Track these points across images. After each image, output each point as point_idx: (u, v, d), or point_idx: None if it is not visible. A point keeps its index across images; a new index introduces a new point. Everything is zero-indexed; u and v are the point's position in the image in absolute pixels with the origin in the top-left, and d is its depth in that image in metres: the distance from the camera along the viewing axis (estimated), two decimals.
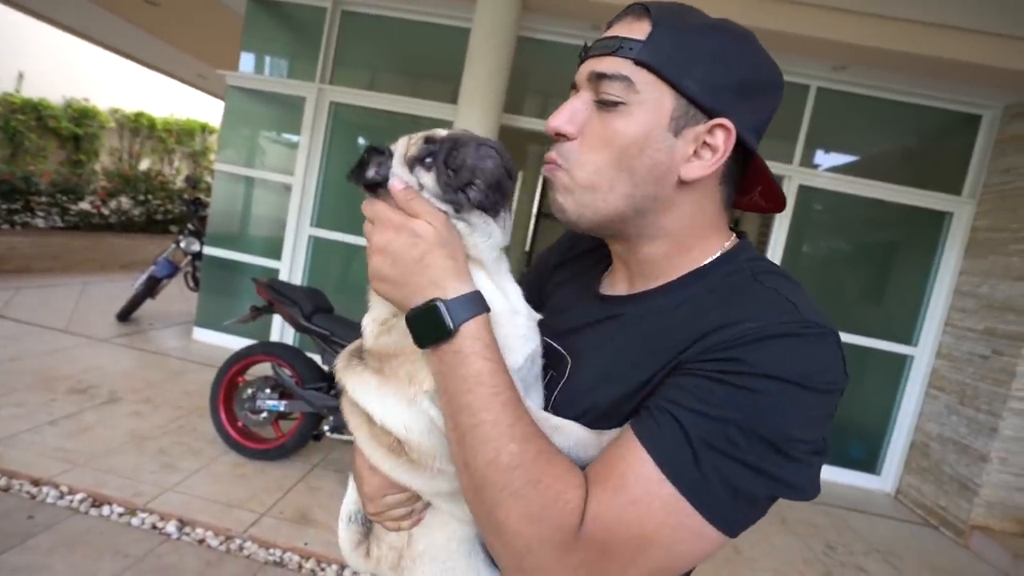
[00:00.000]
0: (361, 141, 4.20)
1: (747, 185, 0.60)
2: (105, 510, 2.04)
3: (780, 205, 0.60)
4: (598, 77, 0.53)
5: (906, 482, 3.58)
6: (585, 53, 0.56)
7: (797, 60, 3.41)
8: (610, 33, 0.54)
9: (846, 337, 3.60)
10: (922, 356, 3.59)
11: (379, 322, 0.59)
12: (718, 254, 0.57)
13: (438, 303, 0.49)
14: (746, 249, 0.58)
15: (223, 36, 4.92)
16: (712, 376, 0.45)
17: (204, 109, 10.41)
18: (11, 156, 7.16)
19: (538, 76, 3.84)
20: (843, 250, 3.96)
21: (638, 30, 0.51)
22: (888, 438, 3.70)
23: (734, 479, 0.43)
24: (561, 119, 0.55)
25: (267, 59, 4.19)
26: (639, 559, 0.44)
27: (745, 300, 0.50)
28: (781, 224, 3.63)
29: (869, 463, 3.73)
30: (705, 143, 0.52)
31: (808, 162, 3.67)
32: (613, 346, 0.56)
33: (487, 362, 0.48)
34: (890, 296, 3.78)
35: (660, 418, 0.46)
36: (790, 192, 3.60)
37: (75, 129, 7.98)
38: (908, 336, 3.63)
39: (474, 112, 3.27)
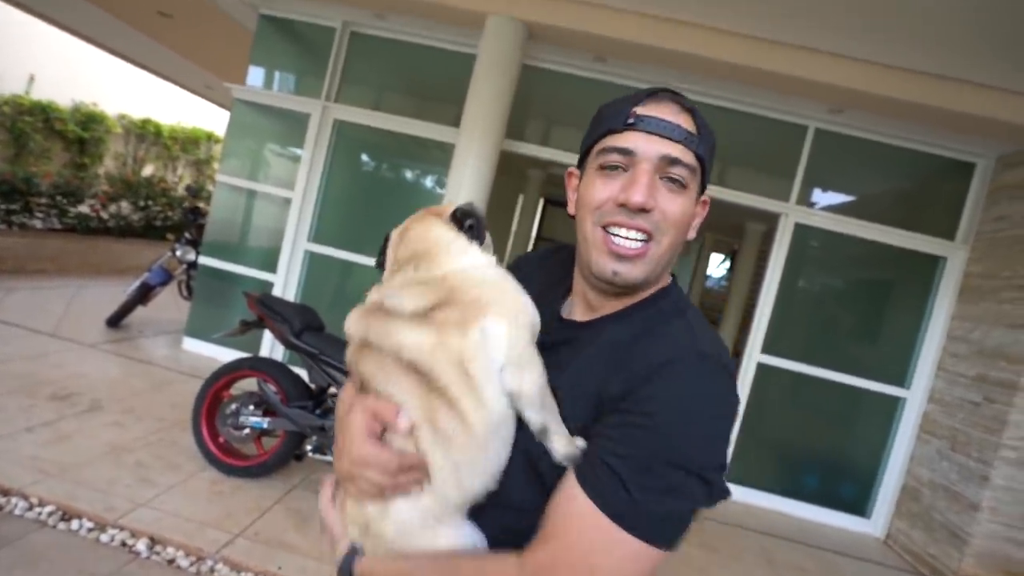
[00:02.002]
0: (364, 159, 4.23)
1: None
2: (75, 524, 1.99)
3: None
4: (672, 162, 0.62)
5: (896, 527, 3.53)
6: (637, 124, 0.63)
7: (796, 101, 3.47)
8: (662, 116, 0.63)
9: (839, 377, 3.59)
10: (914, 399, 3.57)
11: (415, 285, 0.64)
12: (655, 291, 0.69)
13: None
14: (674, 289, 0.71)
15: (232, 49, 4.99)
16: (630, 423, 0.56)
17: (210, 119, 10.51)
18: (15, 156, 7.20)
19: (540, 104, 3.90)
20: (837, 289, 3.97)
21: (688, 123, 0.64)
22: (879, 480, 3.65)
23: (661, 503, 0.53)
24: (646, 195, 0.62)
25: (275, 74, 4.25)
26: None
27: (659, 336, 0.62)
28: (776, 261, 3.65)
29: (859, 505, 3.68)
30: (697, 212, 0.68)
31: (805, 200, 3.71)
32: (570, 369, 0.65)
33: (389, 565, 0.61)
34: (883, 337, 3.78)
35: (600, 471, 0.55)
36: (786, 229, 3.63)
37: (81, 132, 8.04)
38: (901, 378, 3.62)
39: (475, 137, 3.31)
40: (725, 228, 7.60)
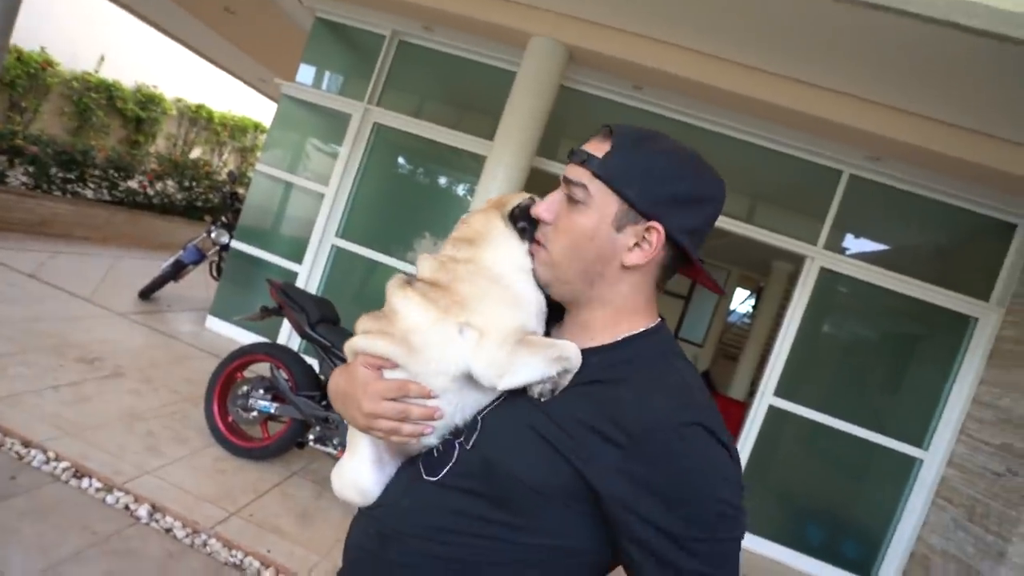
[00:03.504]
0: (399, 162, 4.35)
1: (695, 270, 0.73)
2: (84, 483, 2.08)
3: (719, 291, 0.76)
4: (566, 181, 0.69)
5: None
6: (570, 157, 0.71)
7: (833, 145, 3.44)
8: (584, 146, 0.70)
9: (855, 430, 3.49)
10: (932, 461, 3.44)
11: (439, 261, 0.74)
12: (641, 329, 0.70)
13: None
14: (662, 330, 0.72)
15: (286, 47, 5.21)
16: (675, 537, 0.58)
17: (259, 109, 10.93)
18: (77, 129, 7.62)
19: (575, 125, 3.95)
20: (860, 338, 3.87)
21: (601, 148, 0.68)
22: (887, 542, 3.51)
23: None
24: (543, 208, 0.72)
25: (323, 74, 4.42)
26: None
27: (653, 382, 0.64)
28: (797, 303, 3.59)
29: (864, 566, 3.54)
30: (644, 238, 0.67)
31: (833, 246, 3.64)
32: (538, 403, 0.67)
33: None
34: (905, 393, 3.66)
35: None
36: (811, 272, 3.57)
37: (139, 112, 8.46)
38: (919, 438, 3.49)
39: (507, 151, 3.37)
40: (753, 264, 7.48)
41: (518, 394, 0.68)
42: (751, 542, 3.54)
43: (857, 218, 3.67)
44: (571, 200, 0.69)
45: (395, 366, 0.69)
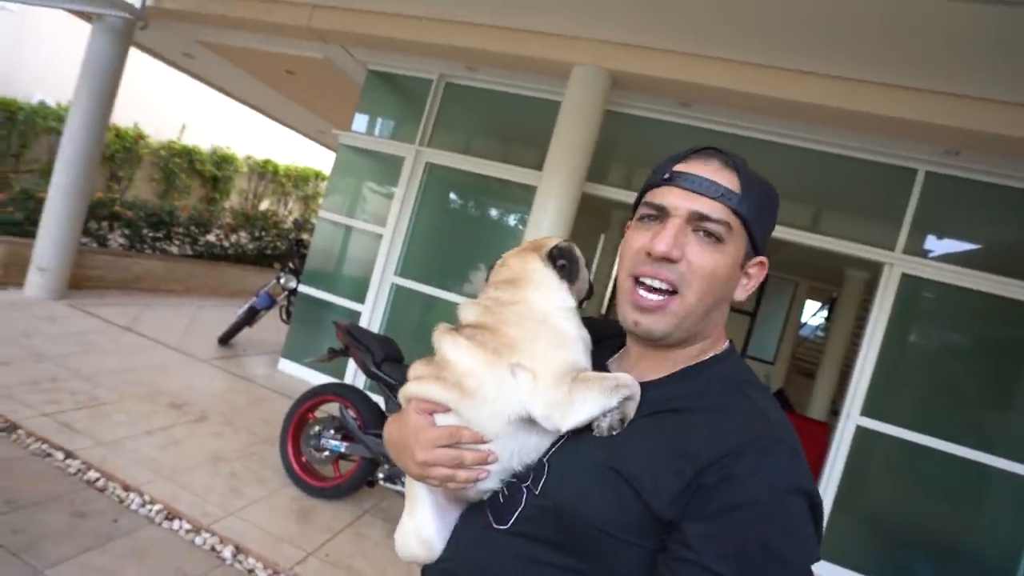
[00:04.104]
0: (452, 198, 4.48)
1: None
2: (175, 524, 2.21)
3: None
4: (702, 217, 0.63)
5: None
6: (672, 180, 0.66)
7: (903, 143, 3.22)
8: (699, 172, 0.65)
9: (959, 450, 3.15)
10: None
11: (482, 306, 0.73)
12: (711, 355, 0.69)
13: None
14: (732, 354, 0.70)
15: (342, 99, 5.55)
16: (717, 531, 0.54)
17: (319, 158, 11.67)
18: (164, 192, 8.44)
19: (624, 148, 3.94)
20: (956, 348, 3.51)
21: (729, 180, 0.64)
22: None
23: None
24: (668, 244, 0.63)
25: (377, 121, 4.68)
26: None
27: (728, 416, 0.60)
28: (879, 314, 3.32)
29: None
30: (749, 273, 0.68)
31: (914, 249, 3.37)
32: (629, 432, 0.64)
33: None
34: (1017, 407, 3.26)
35: None
36: (891, 280, 3.31)
37: (216, 172, 9.28)
38: None
39: (557, 180, 3.40)
40: (823, 274, 7.05)
41: (582, 432, 0.65)
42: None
43: (939, 218, 3.39)
44: (705, 237, 0.64)
45: (447, 411, 0.68)
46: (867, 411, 3.30)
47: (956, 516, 3.29)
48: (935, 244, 3.46)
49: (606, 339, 0.80)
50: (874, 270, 3.56)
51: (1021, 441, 3.14)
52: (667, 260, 0.63)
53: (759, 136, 3.56)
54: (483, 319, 0.71)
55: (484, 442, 0.67)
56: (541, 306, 0.71)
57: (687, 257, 0.63)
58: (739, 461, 0.55)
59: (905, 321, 3.41)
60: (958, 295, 3.26)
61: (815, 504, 0.55)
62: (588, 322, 0.83)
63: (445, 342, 0.71)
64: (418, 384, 0.71)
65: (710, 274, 0.63)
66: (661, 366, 0.69)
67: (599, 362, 0.75)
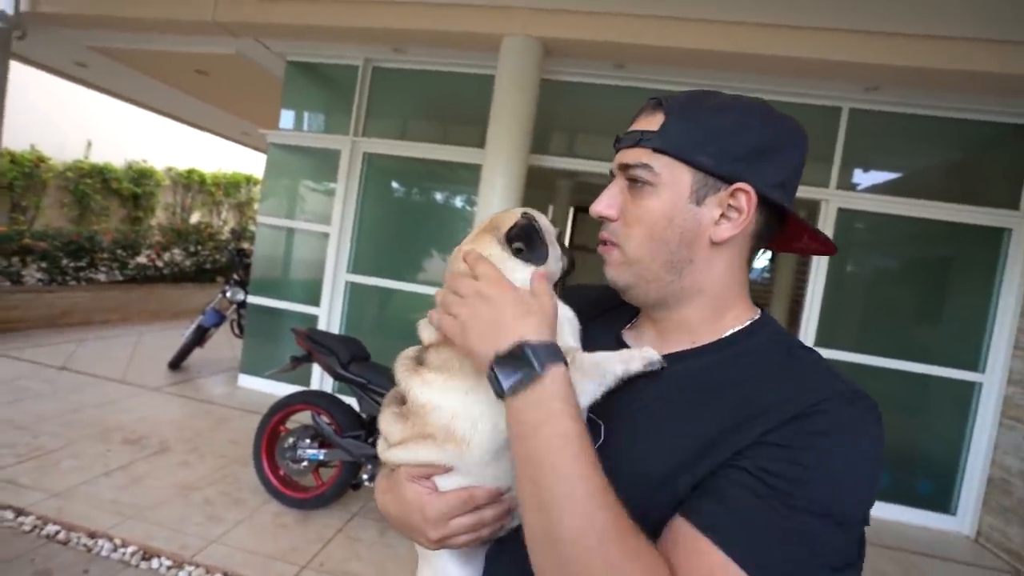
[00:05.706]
0: (395, 187, 4.34)
1: (794, 232, 0.66)
2: (155, 563, 2.09)
3: (831, 248, 0.67)
4: (623, 167, 0.62)
5: (987, 523, 3.27)
6: (617, 145, 0.64)
7: (826, 84, 3.35)
8: (633, 127, 0.63)
9: (903, 365, 3.40)
10: (992, 383, 3.33)
11: None
12: (747, 323, 0.63)
13: (526, 346, 0.51)
14: (770, 322, 0.64)
15: (264, 97, 5.24)
16: (778, 469, 0.48)
17: (248, 162, 11.05)
18: (79, 217, 7.78)
19: (563, 116, 3.91)
20: (892, 273, 3.77)
21: (654, 122, 0.60)
22: (961, 473, 3.41)
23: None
24: (603, 204, 0.64)
25: (305, 115, 4.44)
26: None
27: (790, 376, 0.56)
28: None
29: (941, 502, 3.44)
30: (731, 206, 0.59)
31: (846, 184, 3.56)
32: (656, 407, 0.58)
33: (573, 422, 0.49)
34: (949, 319, 3.55)
35: (744, 529, 0.47)
36: (828, 215, 3.49)
37: (134, 189, 8.63)
38: (973, 362, 3.39)
39: (501, 156, 3.35)
40: None
41: (610, 436, 0.59)
42: None
43: (865, 152, 3.58)
44: (634, 186, 0.61)
45: (448, 470, 0.59)
46: (820, 341, 3.50)
47: (907, 425, 3.57)
48: (864, 177, 3.66)
49: (613, 308, 0.73)
50: (811, 207, 3.74)
51: (954, 350, 3.43)
52: (607, 220, 0.64)
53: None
54: None
55: (502, 493, 0.59)
56: None
57: (624, 211, 0.63)
58: (825, 404, 0.51)
59: (844, 253, 3.61)
60: (890, 223, 3.48)
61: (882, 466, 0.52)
62: (591, 290, 0.78)
63: (414, 385, 0.61)
64: (404, 450, 0.61)
65: (639, 219, 0.61)
66: (684, 335, 0.64)
67: (611, 331, 0.70)
